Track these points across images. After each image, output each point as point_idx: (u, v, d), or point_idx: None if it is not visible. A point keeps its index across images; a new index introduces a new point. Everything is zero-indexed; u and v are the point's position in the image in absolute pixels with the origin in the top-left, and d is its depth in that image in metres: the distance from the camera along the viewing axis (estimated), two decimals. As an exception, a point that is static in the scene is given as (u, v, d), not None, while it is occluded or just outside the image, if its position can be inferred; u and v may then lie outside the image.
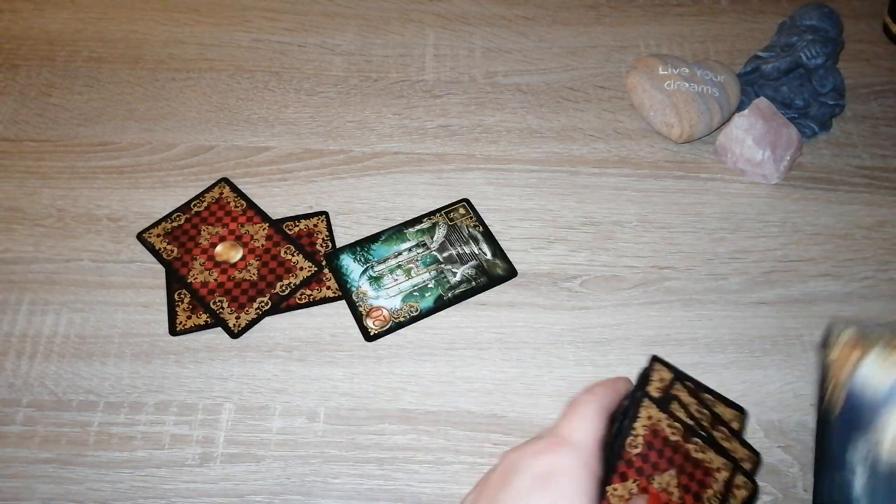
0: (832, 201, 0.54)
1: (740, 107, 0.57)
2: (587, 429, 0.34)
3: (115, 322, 0.47)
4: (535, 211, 0.53)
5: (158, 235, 0.50)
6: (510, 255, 0.50)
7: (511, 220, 0.52)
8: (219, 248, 0.49)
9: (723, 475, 0.37)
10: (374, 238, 0.50)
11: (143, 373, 0.45)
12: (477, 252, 0.49)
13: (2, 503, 0.40)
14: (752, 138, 0.53)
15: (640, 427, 0.37)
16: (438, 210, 0.52)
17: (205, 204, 0.52)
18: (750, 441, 0.43)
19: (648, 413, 0.37)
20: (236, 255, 0.49)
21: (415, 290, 0.48)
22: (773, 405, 0.44)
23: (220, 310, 0.47)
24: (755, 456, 0.39)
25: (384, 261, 0.49)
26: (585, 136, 0.58)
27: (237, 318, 0.46)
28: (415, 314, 0.47)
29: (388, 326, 0.47)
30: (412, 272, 0.48)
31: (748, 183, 0.55)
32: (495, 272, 0.49)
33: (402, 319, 0.47)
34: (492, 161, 0.56)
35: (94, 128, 0.57)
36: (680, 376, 0.38)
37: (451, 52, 0.63)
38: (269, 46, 0.63)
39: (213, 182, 0.53)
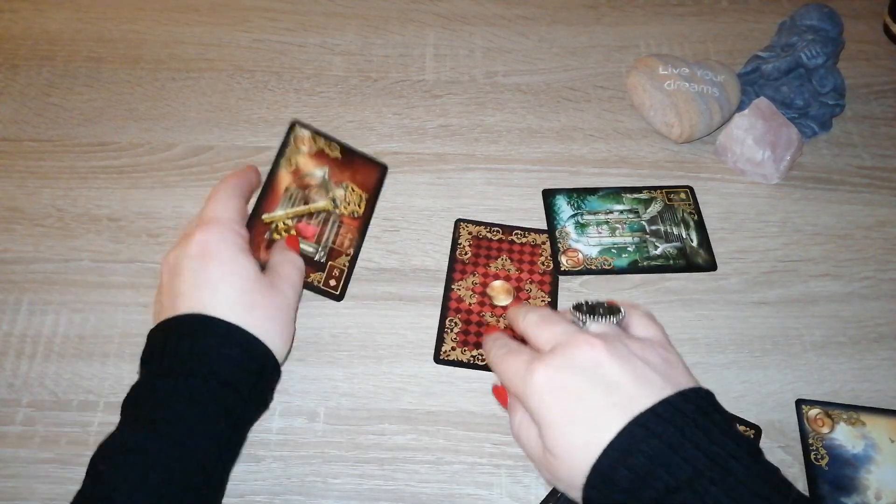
0: (832, 201, 0.54)
1: (740, 107, 0.57)
2: (225, 206, 0.41)
3: (115, 322, 0.47)
4: (536, 211, 0.53)
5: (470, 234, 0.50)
6: (510, 255, 0.50)
7: (511, 220, 0.52)
8: (497, 284, 0.48)
9: None
10: (591, 190, 0.53)
11: (142, 373, 0.45)
12: (684, 236, 0.51)
13: (2, 503, 0.40)
14: (753, 138, 0.53)
15: None
16: (661, 187, 0.53)
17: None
18: (750, 441, 0.43)
19: None
20: (506, 298, 0.48)
21: (614, 248, 0.50)
22: (773, 405, 0.44)
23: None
24: (752, 429, 0.43)
25: (595, 213, 0.52)
26: (585, 135, 0.58)
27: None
28: (607, 268, 0.49)
29: (578, 269, 0.49)
30: (617, 231, 0.51)
31: (748, 183, 0.55)
32: (696, 260, 0.50)
33: (593, 268, 0.49)
34: (492, 161, 0.56)
35: (94, 128, 0.57)
36: None
37: (451, 52, 0.63)
38: (268, 46, 0.63)
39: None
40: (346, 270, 0.48)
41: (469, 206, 0.53)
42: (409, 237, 0.51)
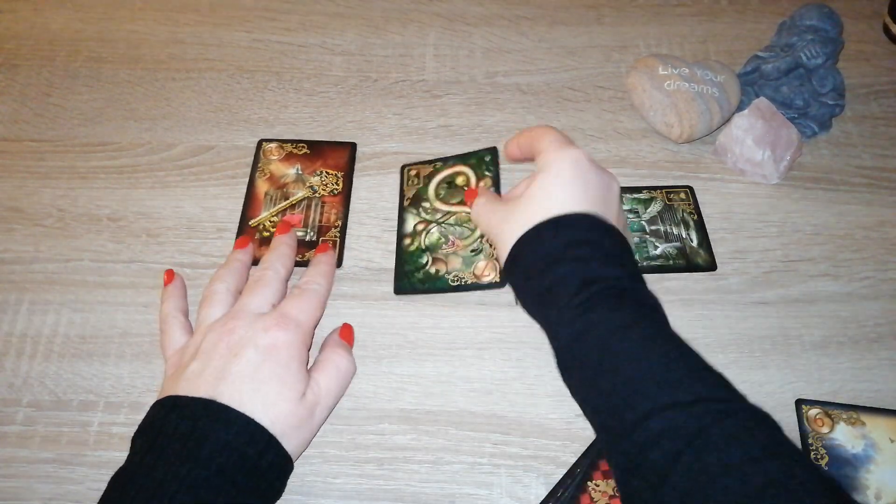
0: (832, 201, 0.54)
1: (740, 107, 0.57)
2: (309, 312, 0.42)
3: (115, 322, 0.47)
4: (535, 211, 0.53)
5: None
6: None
7: (511, 220, 0.52)
8: None
9: None
10: None
11: (143, 373, 0.45)
12: (684, 236, 0.51)
13: (2, 503, 0.40)
14: (752, 138, 0.53)
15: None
16: (661, 187, 0.53)
17: None
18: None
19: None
20: None
21: None
22: (773, 405, 0.44)
23: None
24: None
25: None
26: (585, 136, 0.58)
27: None
28: None
29: None
30: None
31: (748, 183, 0.55)
32: (695, 260, 0.50)
33: None
34: (492, 161, 0.56)
35: (94, 128, 0.57)
36: None
37: (452, 52, 0.63)
38: (269, 46, 0.63)
39: None
40: (338, 240, 0.50)
41: (469, 206, 0.53)
42: (409, 237, 0.51)
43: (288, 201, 0.51)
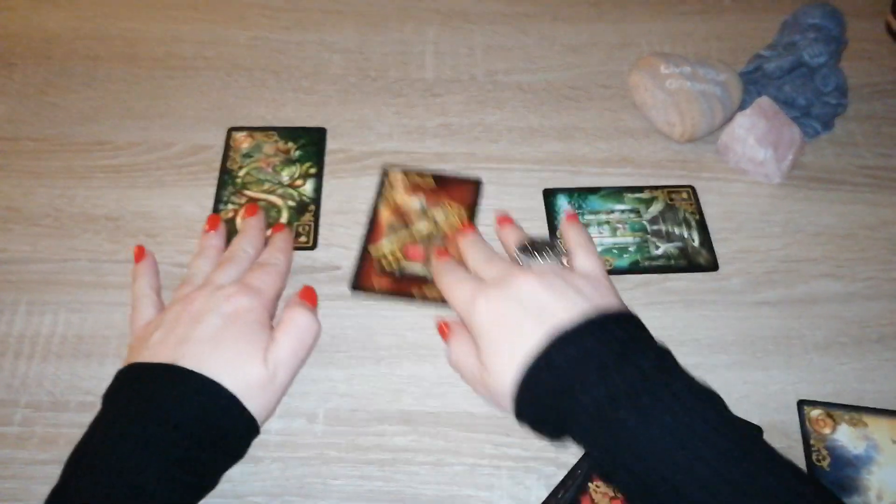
0: (835, 201, 0.54)
1: (742, 106, 0.56)
2: (269, 283, 0.43)
3: (113, 322, 0.47)
4: (537, 210, 0.52)
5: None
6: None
7: (512, 219, 0.52)
8: None
9: None
10: (592, 190, 0.53)
11: (141, 374, 0.45)
12: (686, 236, 0.51)
13: (-1, 505, 0.40)
14: (755, 137, 0.53)
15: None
16: (663, 187, 0.53)
17: None
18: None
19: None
20: None
21: (615, 248, 0.50)
22: (776, 406, 0.44)
23: None
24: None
25: (596, 213, 0.52)
26: (587, 135, 0.57)
27: None
28: (608, 268, 0.49)
29: None
30: (618, 232, 0.51)
31: (750, 182, 0.55)
32: (697, 260, 0.50)
33: None
34: (493, 160, 0.55)
35: (92, 126, 0.57)
36: None
37: (452, 49, 0.63)
38: (267, 44, 0.63)
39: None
40: None
41: (469, 206, 0.53)
42: (409, 237, 0.51)
43: (409, 233, 0.50)
